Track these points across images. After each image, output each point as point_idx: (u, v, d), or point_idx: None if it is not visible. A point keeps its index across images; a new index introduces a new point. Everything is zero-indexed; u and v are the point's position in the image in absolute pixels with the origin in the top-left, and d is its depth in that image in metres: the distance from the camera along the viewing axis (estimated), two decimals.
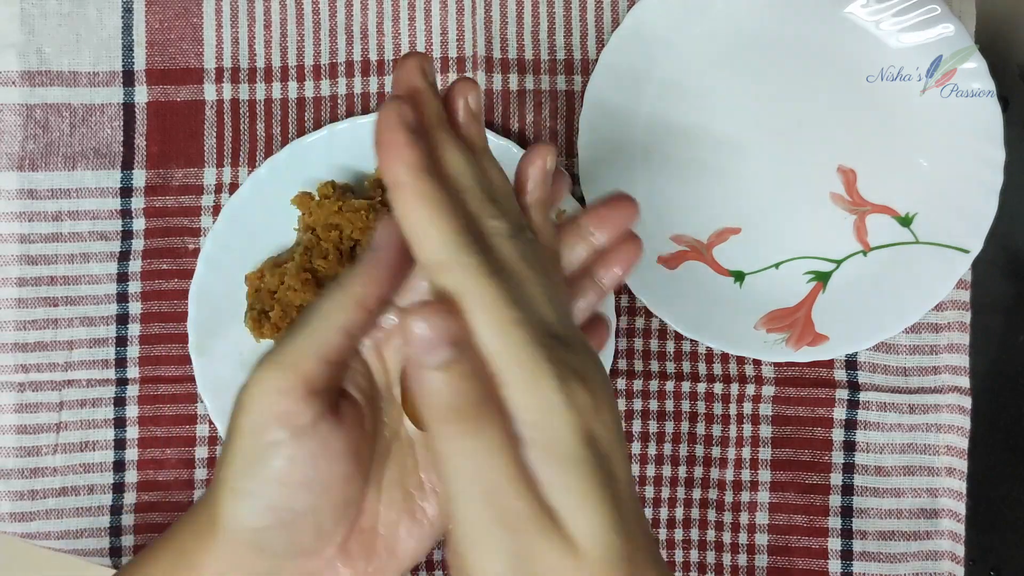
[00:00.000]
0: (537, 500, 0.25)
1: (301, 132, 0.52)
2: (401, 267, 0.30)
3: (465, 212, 0.27)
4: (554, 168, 0.32)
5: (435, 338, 0.25)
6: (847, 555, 0.52)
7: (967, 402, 0.51)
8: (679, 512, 0.52)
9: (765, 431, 0.52)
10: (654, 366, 0.52)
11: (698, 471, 0.52)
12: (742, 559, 0.52)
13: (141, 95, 0.51)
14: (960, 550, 0.51)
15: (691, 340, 0.51)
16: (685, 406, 0.52)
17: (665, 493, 0.52)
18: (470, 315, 0.25)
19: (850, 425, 0.52)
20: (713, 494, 0.52)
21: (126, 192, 0.51)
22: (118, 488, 0.51)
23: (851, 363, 0.52)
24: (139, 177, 0.51)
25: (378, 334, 0.33)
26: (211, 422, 0.51)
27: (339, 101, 0.52)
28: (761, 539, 0.52)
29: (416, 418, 0.33)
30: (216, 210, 0.51)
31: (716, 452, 0.52)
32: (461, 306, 0.25)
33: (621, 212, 0.34)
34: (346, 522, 0.32)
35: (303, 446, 0.30)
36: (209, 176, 0.51)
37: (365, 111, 0.52)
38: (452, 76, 0.51)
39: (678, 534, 0.52)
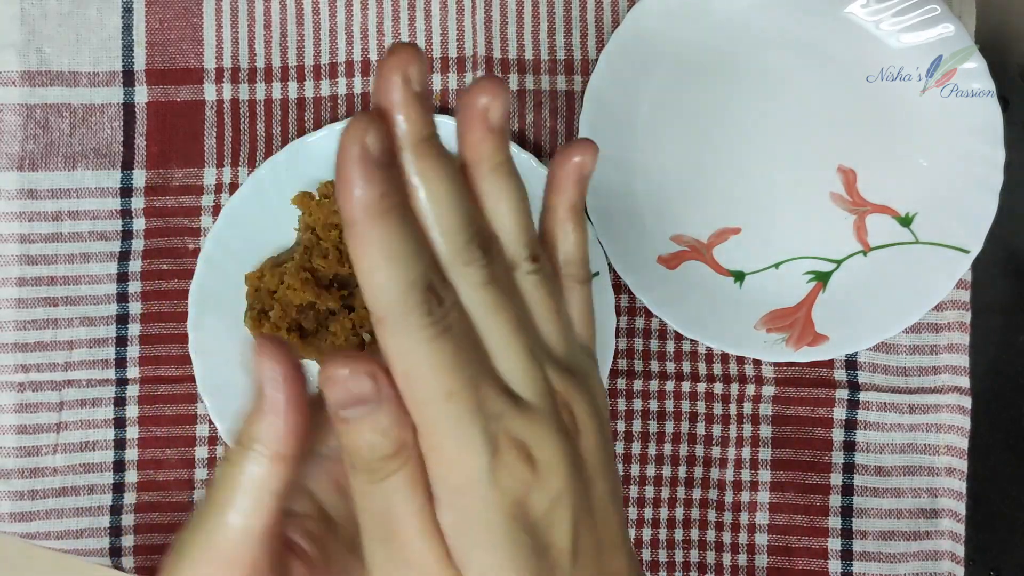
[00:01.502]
0: (449, 563, 0.23)
1: (301, 132, 0.52)
2: (304, 398, 0.25)
3: (430, 259, 0.23)
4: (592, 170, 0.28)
5: (348, 399, 0.23)
6: (847, 555, 0.52)
7: (967, 402, 0.51)
8: (679, 512, 0.52)
9: (765, 431, 0.52)
10: (654, 366, 0.52)
11: (698, 471, 0.52)
12: (742, 559, 0.52)
13: (141, 95, 0.51)
14: (960, 550, 0.51)
15: (691, 340, 0.51)
16: (685, 406, 0.52)
17: (665, 493, 0.52)
18: (400, 383, 0.23)
19: (850, 425, 0.52)
20: (713, 494, 0.52)
21: (126, 192, 0.51)
22: (118, 488, 0.51)
23: (851, 363, 0.52)
24: (139, 177, 0.51)
25: (333, 467, 0.28)
26: (211, 422, 0.51)
27: (339, 101, 0.52)
28: (761, 539, 0.52)
29: None
30: (216, 210, 0.51)
31: (716, 452, 0.52)
32: (393, 371, 0.23)
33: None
34: None
35: None
36: (209, 176, 0.51)
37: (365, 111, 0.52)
38: (452, 76, 0.51)
39: (678, 534, 0.52)
